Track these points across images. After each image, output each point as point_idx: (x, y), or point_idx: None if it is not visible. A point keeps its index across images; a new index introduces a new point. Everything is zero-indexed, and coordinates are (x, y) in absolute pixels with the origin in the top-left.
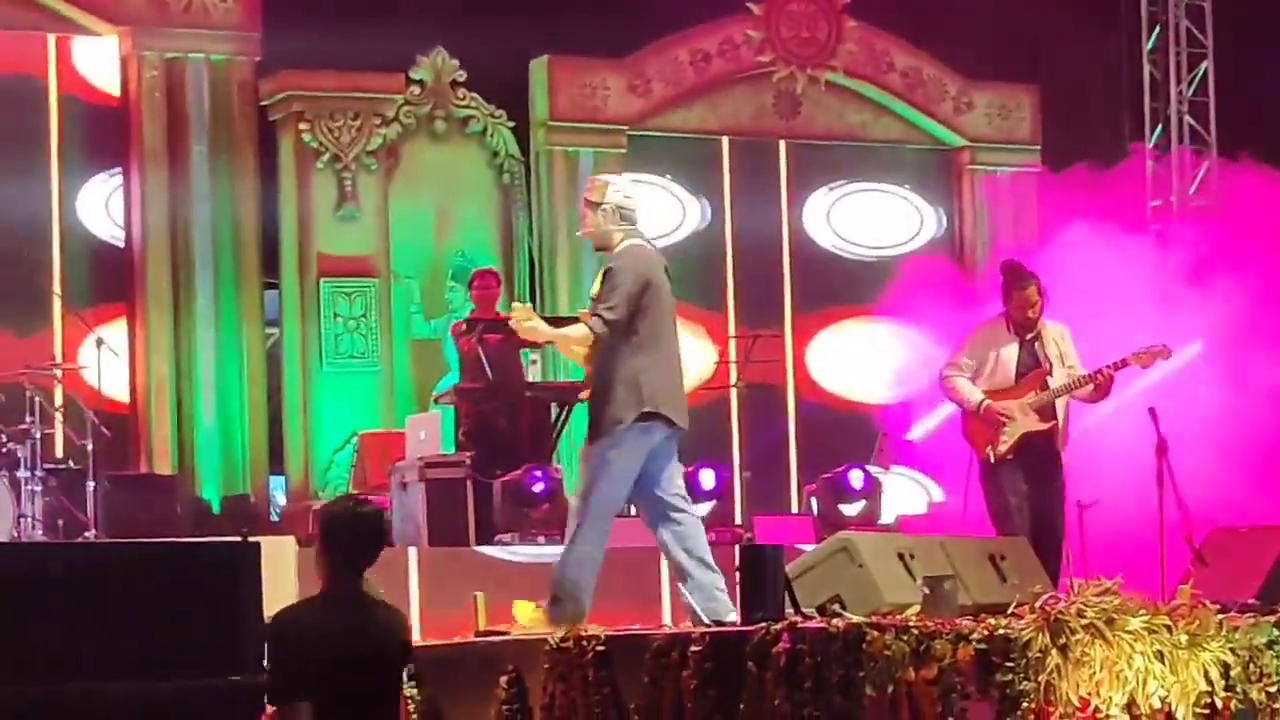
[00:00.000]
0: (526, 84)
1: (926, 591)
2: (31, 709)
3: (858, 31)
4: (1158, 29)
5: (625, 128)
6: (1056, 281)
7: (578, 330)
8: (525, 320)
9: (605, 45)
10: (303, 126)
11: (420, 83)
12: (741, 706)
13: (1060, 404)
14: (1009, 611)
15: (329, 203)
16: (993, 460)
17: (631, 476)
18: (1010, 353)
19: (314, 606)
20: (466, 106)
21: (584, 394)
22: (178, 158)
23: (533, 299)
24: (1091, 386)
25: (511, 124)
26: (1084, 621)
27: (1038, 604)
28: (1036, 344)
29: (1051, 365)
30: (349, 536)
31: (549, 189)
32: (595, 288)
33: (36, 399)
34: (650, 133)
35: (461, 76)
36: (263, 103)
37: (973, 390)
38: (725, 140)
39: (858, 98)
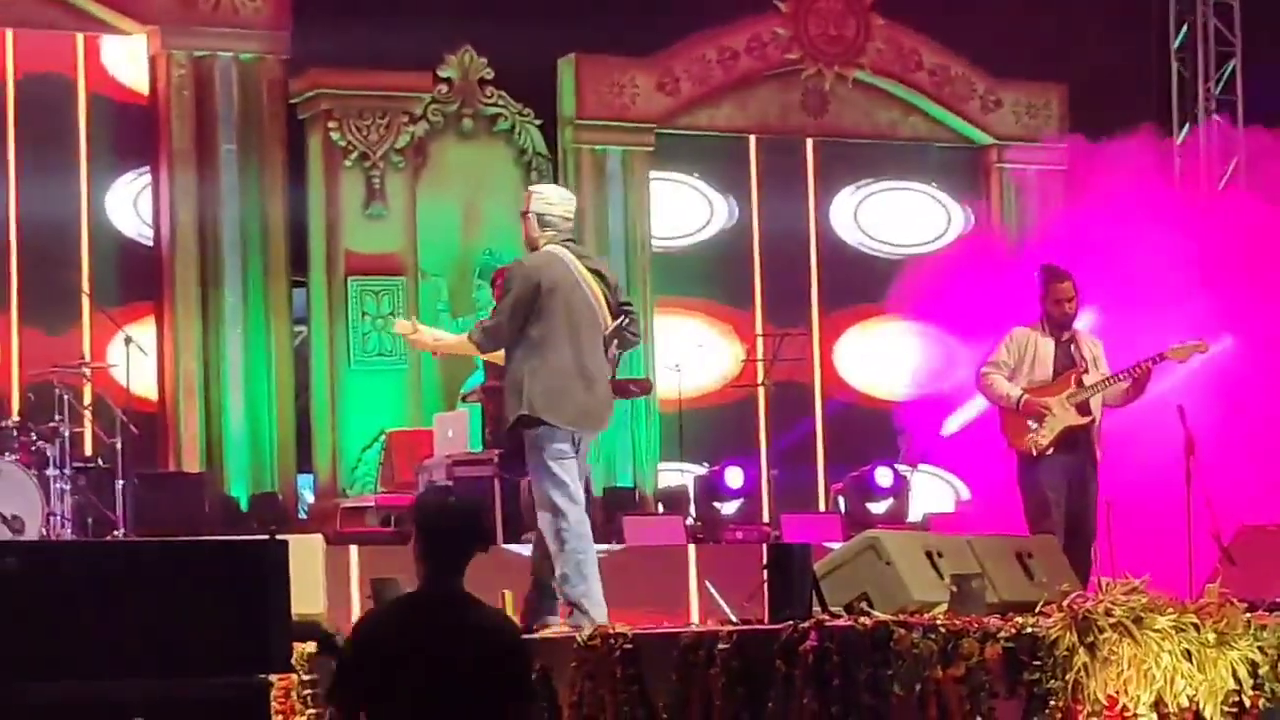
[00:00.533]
0: (554, 82)
1: (954, 590)
2: (58, 707)
3: (886, 29)
4: (1185, 27)
5: (653, 126)
6: (1083, 269)
7: (459, 340)
8: (410, 334)
9: (633, 43)
10: (331, 125)
11: (448, 81)
12: (769, 704)
13: (1095, 404)
14: (1037, 610)
15: (357, 201)
16: (1034, 453)
17: (574, 472)
18: (1047, 351)
19: (403, 607)
20: (494, 104)
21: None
22: (206, 156)
23: None
24: (1129, 384)
25: (539, 122)
26: (1112, 620)
27: (1065, 602)
28: (1072, 345)
29: (1087, 364)
30: (444, 532)
31: (576, 187)
32: None
33: (66, 397)
34: (678, 131)
35: (489, 74)
36: (291, 101)
37: (1011, 387)
38: (753, 138)
39: (885, 96)
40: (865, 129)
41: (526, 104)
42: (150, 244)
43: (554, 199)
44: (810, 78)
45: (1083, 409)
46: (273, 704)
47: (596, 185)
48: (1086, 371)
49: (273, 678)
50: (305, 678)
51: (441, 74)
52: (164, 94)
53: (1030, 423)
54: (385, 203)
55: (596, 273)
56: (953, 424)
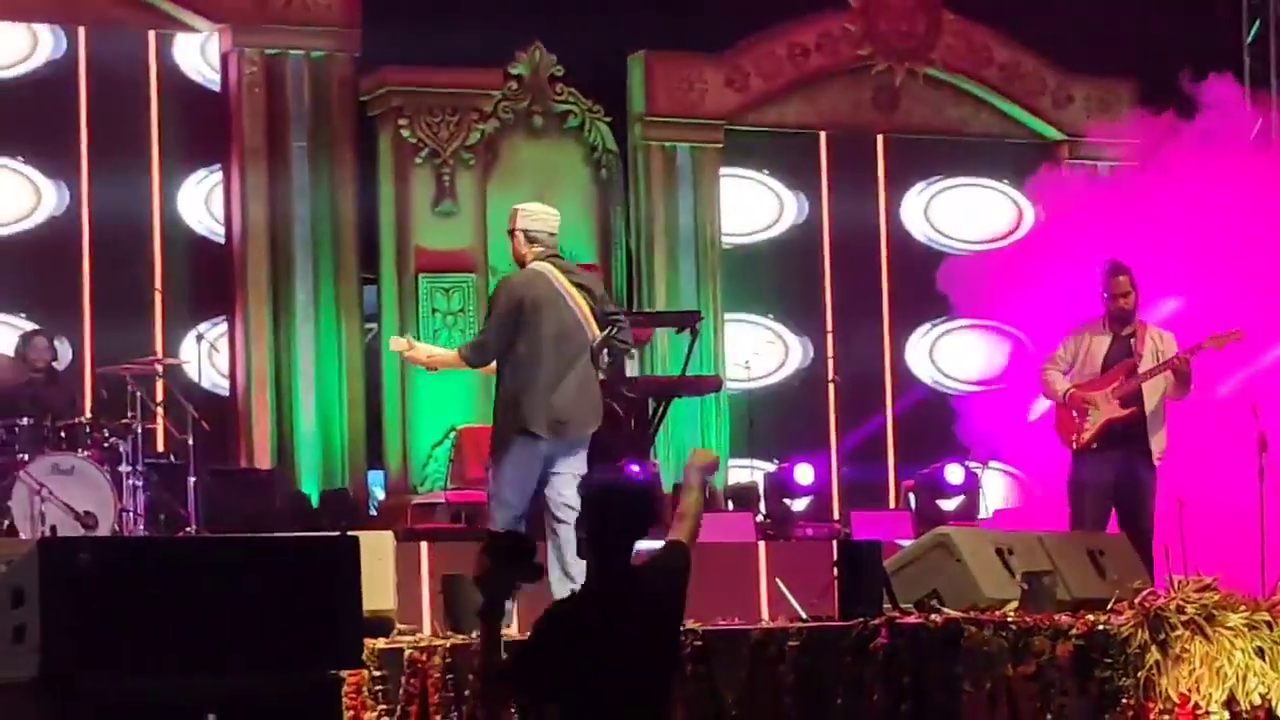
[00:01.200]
0: (624, 79)
1: (1025, 587)
2: (129, 702)
3: (956, 25)
4: (1258, 22)
5: (723, 122)
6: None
7: (451, 356)
8: (406, 351)
9: (703, 40)
10: (401, 122)
11: (518, 78)
12: (839, 701)
13: (1152, 395)
14: (1108, 607)
15: (427, 198)
16: (1077, 448)
17: (526, 486)
18: (1101, 345)
19: (583, 600)
20: (564, 102)
21: None
22: (277, 154)
23: (629, 293)
24: (1172, 377)
25: (609, 119)
26: (1184, 618)
27: (1137, 600)
28: (1132, 339)
29: (1143, 358)
30: (615, 515)
31: (646, 184)
32: None
33: (138, 393)
34: (748, 127)
35: (559, 72)
36: (362, 98)
37: (1061, 381)
38: (823, 135)
39: (956, 91)
40: (936, 125)
41: (596, 101)
42: (222, 241)
43: (539, 215)
44: (881, 74)
45: (1126, 401)
46: (343, 700)
47: (666, 182)
48: (1139, 364)
49: (344, 674)
50: (376, 674)
51: (512, 71)
52: (235, 92)
53: (1074, 416)
54: (455, 200)
55: (581, 286)
56: (1036, 412)
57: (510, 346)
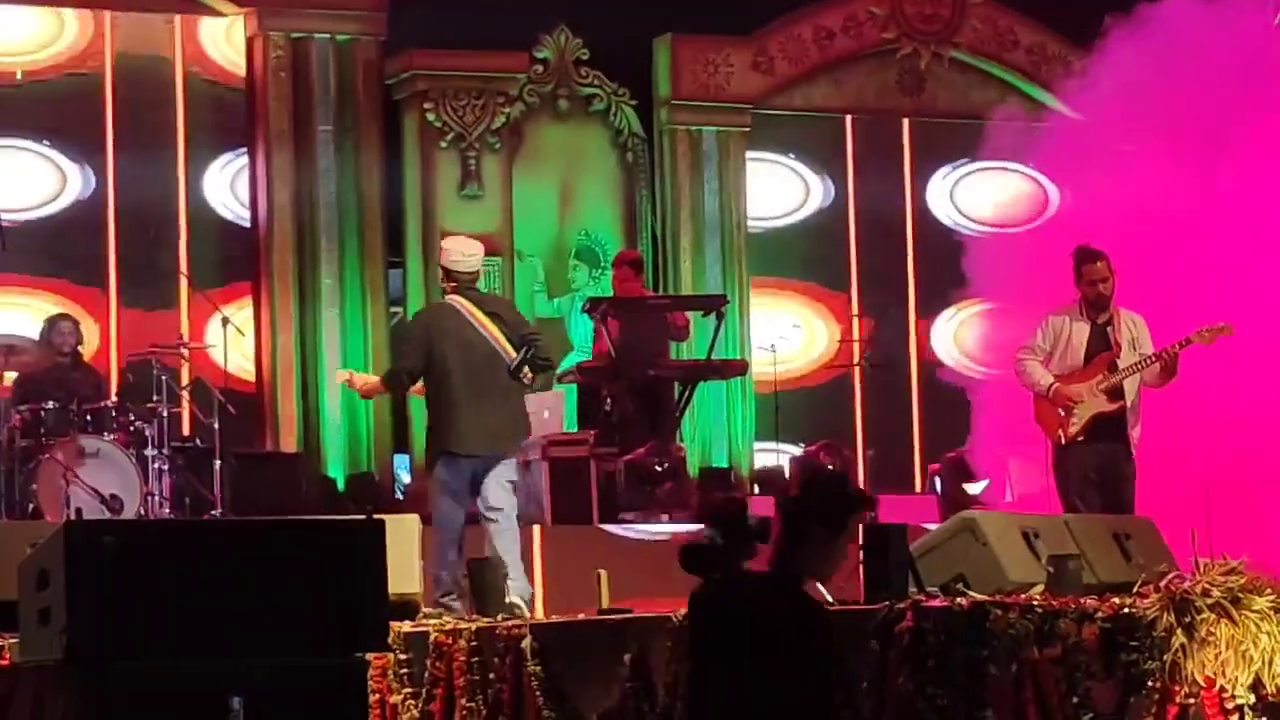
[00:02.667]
0: (650, 62)
1: (1051, 570)
2: (154, 685)
3: (982, 8)
4: None
5: (749, 106)
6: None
7: (376, 383)
8: (346, 382)
9: (729, 23)
10: (427, 106)
11: (544, 61)
12: (864, 684)
13: (1131, 387)
14: (1134, 591)
15: (453, 182)
16: (1063, 442)
17: (458, 499)
18: (1081, 336)
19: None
20: (590, 85)
21: None
22: (303, 138)
23: (655, 278)
24: (1159, 368)
25: (635, 102)
26: (1209, 601)
27: (1163, 583)
28: (1109, 328)
29: (1121, 348)
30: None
31: (672, 168)
32: None
33: (164, 378)
34: (774, 111)
35: (585, 55)
36: (387, 82)
37: (1043, 374)
38: (849, 118)
39: (982, 75)
40: (961, 108)
41: (622, 84)
42: (247, 225)
43: (457, 254)
44: (906, 57)
45: (1113, 394)
46: (369, 683)
47: (692, 165)
48: (1119, 356)
49: (369, 657)
50: (402, 657)
51: (537, 55)
52: (261, 76)
53: (1060, 410)
54: (481, 184)
55: (494, 314)
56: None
57: (427, 374)
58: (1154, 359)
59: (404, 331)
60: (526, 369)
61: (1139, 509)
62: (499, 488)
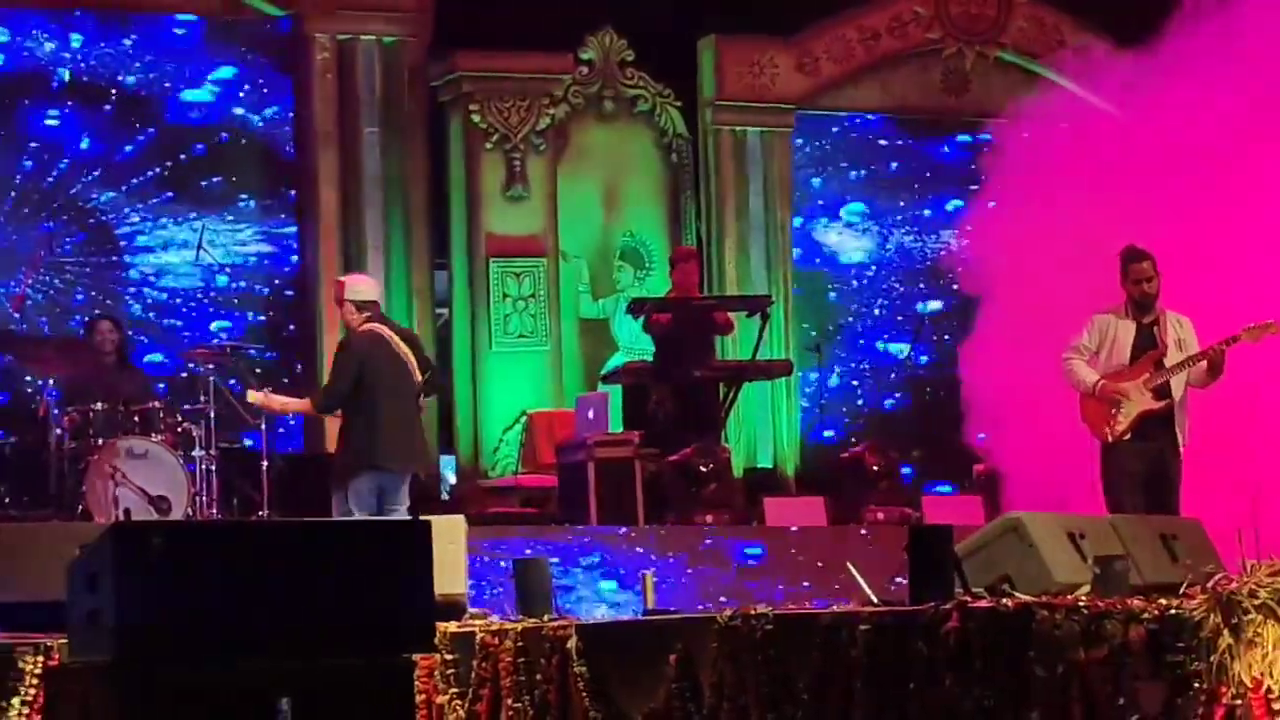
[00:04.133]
0: (695, 63)
1: (1097, 571)
2: (202, 686)
3: (1027, 8)
4: None
5: (793, 106)
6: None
7: (303, 405)
8: (263, 403)
9: (773, 24)
10: (472, 107)
11: (589, 63)
12: (910, 686)
13: (1178, 386)
14: (1180, 592)
15: (498, 183)
16: (1110, 440)
17: (370, 510)
18: (1127, 335)
19: None
20: (635, 86)
21: None
22: (349, 139)
23: (700, 278)
24: (1205, 366)
25: (679, 103)
26: (1256, 602)
27: (1209, 584)
28: (1155, 327)
29: (1168, 348)
30: None
31: (717, 168)
32: None
33: (211, 379)
34: (818, 111)
35: (630, 56)
36: (433, 84)
37: (1089, 372)
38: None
39: (1027, 74)
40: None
41: (667, 85)
42: (294, 227)
43: (363, 287)
44: (951, 57)
45: (1159, 393)
46: (416, 684)
47: (737, 166)
48: (1165, 354)
49: (416, 657)
50: (448, 657)
51: (582, 56)
52: (307, 77)
53: (1107, 409)
54: (526, 185)
55: (408, 340)
56: None
57: (354, 397)
58: (1200, 357)
59: (337, 358)
60: (424, 391)
61: (1185, 509)
62: (405, 498)
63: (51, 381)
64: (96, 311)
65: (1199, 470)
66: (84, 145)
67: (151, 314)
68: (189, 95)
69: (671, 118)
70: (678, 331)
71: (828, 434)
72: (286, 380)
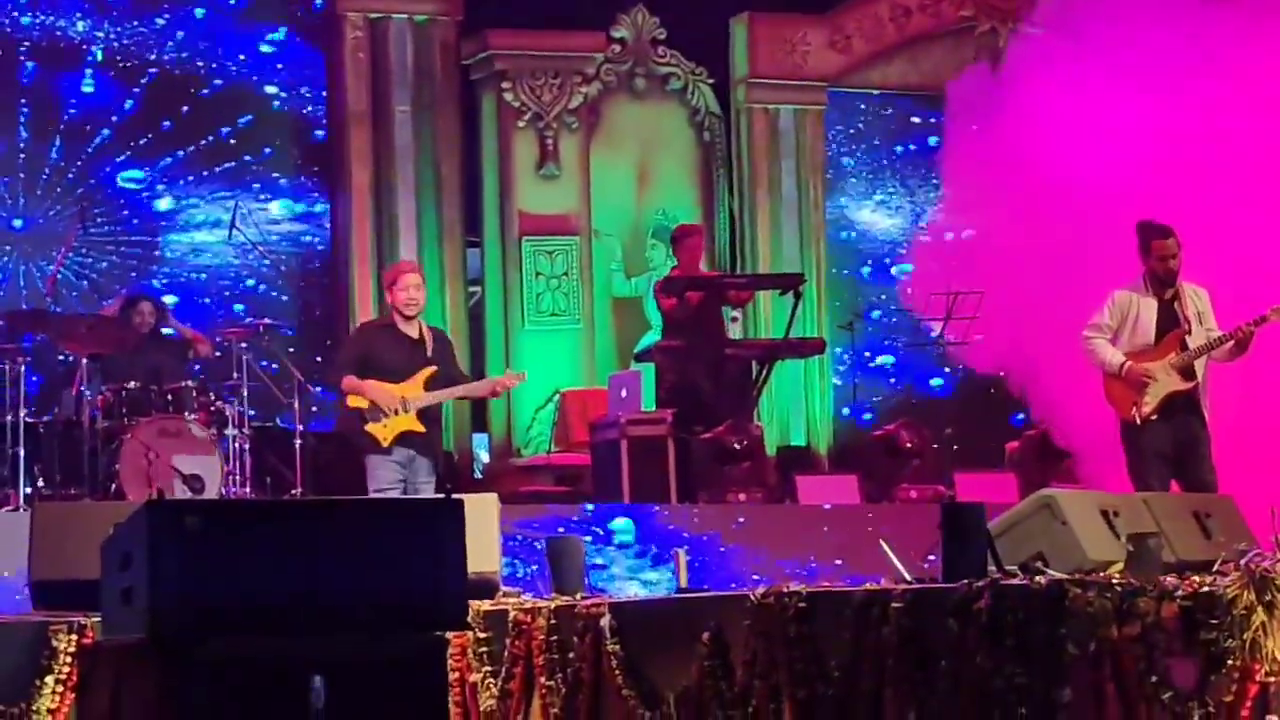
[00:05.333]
0: (727, 41)
1: (1130, 549)
2: (235, 664)
3: None
4: None
5: (825, 84)
6: None
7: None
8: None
9: (806, 2)
10: (504, 86)
11: (621, 41)
12: (942, 663)
13: (1201, 363)
14: (1214, 569)
15: (530, 161)
16: (1138, 421)
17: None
18: (1150, 313)
19: None
20: (667, 64)
21: None
22: (381, 118)
23: (732, 256)
24: (1231, 344)
25: (712, 81)
26: None
27: (1243, 561)
28: (1175, 303)
29: (1190, 325)
30: None
31: (749, 146)
32: None
33: (244, 357)
34: (851, 89)
35: (662, 34)
36: (465, 62)
37: (1114, 352)
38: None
39: None
40: None
41: (699, 63)
42: (327, 205)
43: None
44: (983, 35)
45: (1186, 373)
46: (449, 661)
47: (769, 144)
48: (1190, 332)
49: (449, 635)
50: (481, 635)
51: (614, 34)
52: (340, 55)
53: (1133, 389)
54: (558, 163)
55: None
56: None
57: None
58: (1229, 337)
59: (346, 346)
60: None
61: (1222, 487)
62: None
63: (85, 361)
64: (119, 289)
65: (1230, 447)
66: (116, 124)
67: (185, 293)
68: (221, 74)
69: (704, 95)
70: (692, 310)
71: (866, 417)
72: (319, 359)
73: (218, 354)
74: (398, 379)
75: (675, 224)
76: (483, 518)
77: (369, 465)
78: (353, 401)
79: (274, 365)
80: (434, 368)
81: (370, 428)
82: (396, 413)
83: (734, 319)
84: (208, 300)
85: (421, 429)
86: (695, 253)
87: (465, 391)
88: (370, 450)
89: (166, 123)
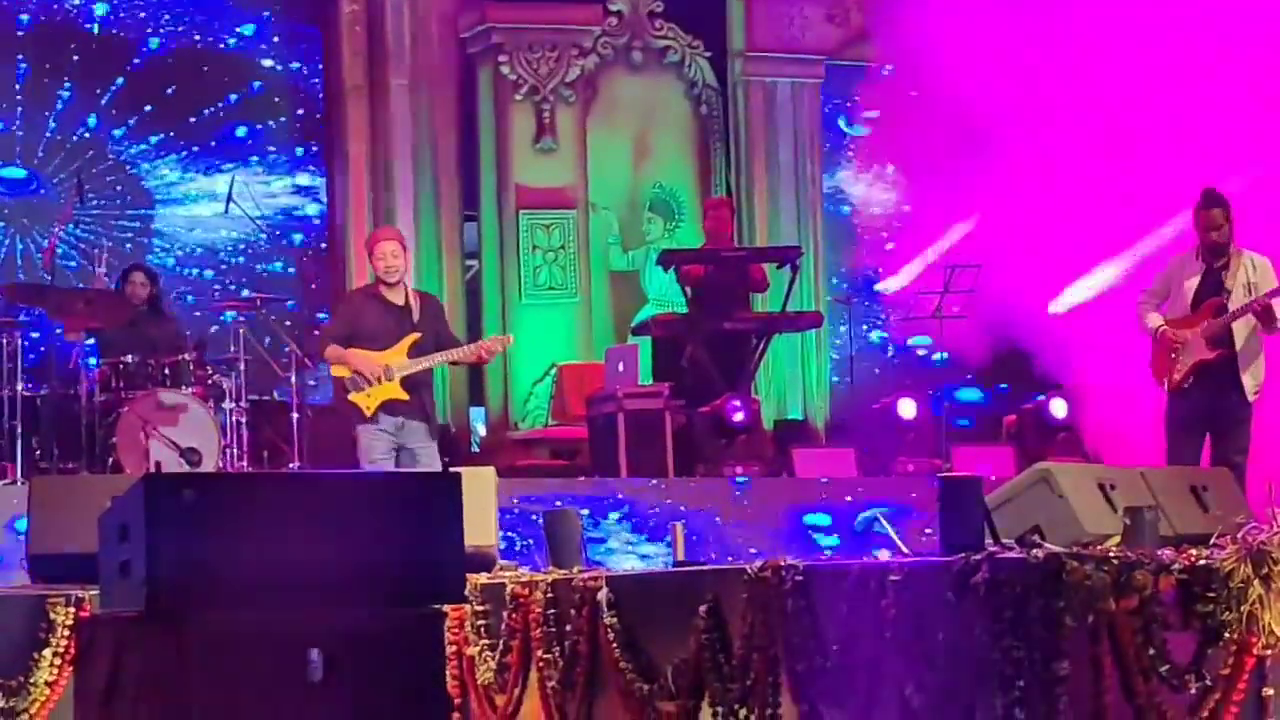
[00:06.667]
0: (724, 13)
1: (1127, 522)
2: (232, 637)
3: None
4: None
5: (823, 58)
6: None
7: None
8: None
9: None
10: (501, 59)
11: (618, 14)
12: (940, 636)
13: (1241, 332)
14: (1211, 542)
15: (527, 135)
16: (1170, 388)
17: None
18: (1193, 279)
19: None
20: (664, 37)
21: None
22: (378, 91)
23: (733, 228)
24: (1257, 319)
25: (709, 54)
26: None
27: (1240, 535)
28: (1224, 272)
29: (1231, 293)
30: None
31: (746, 120)
32: None
33: (240, 331)
34: (848, 62)
35: (659, 7)
36: (461, 35)
37: (1154, 318)
38: None
39: None
40: None
41: (696, 36)
42: (323, 179)
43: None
44: None
45: (1214, 341)
46: (446, 634)
47: (766, 117)
48: (1227, 301)
49: (446, 609)
50: (479, 608)
51: (611, 7)
52: (336, 29)
53: (1169, 356)
54: (555, 136)
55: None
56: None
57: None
58: (1246, 308)
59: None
60: None
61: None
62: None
63: (82, 334)
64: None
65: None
66: (113, 97)
67: (181, 266)
68: (218, 48)
69: (701, 69)
70: (712, 282)
71: (863, 391)
72: (316, 333)
73: (214, 326)
74: (382, 346)
75: (671, 197)
76: (480, 491)
77: (359, 437)
78: (336, 371)
79: (270, 338)
80: (418, 334)
81: (353, 397)
82: (379, 380)
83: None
84: (205, 274)
85: (405, 396)
86: (722, 226)
87: (452, 356)
88: (358, 421)
89: (163, 96)
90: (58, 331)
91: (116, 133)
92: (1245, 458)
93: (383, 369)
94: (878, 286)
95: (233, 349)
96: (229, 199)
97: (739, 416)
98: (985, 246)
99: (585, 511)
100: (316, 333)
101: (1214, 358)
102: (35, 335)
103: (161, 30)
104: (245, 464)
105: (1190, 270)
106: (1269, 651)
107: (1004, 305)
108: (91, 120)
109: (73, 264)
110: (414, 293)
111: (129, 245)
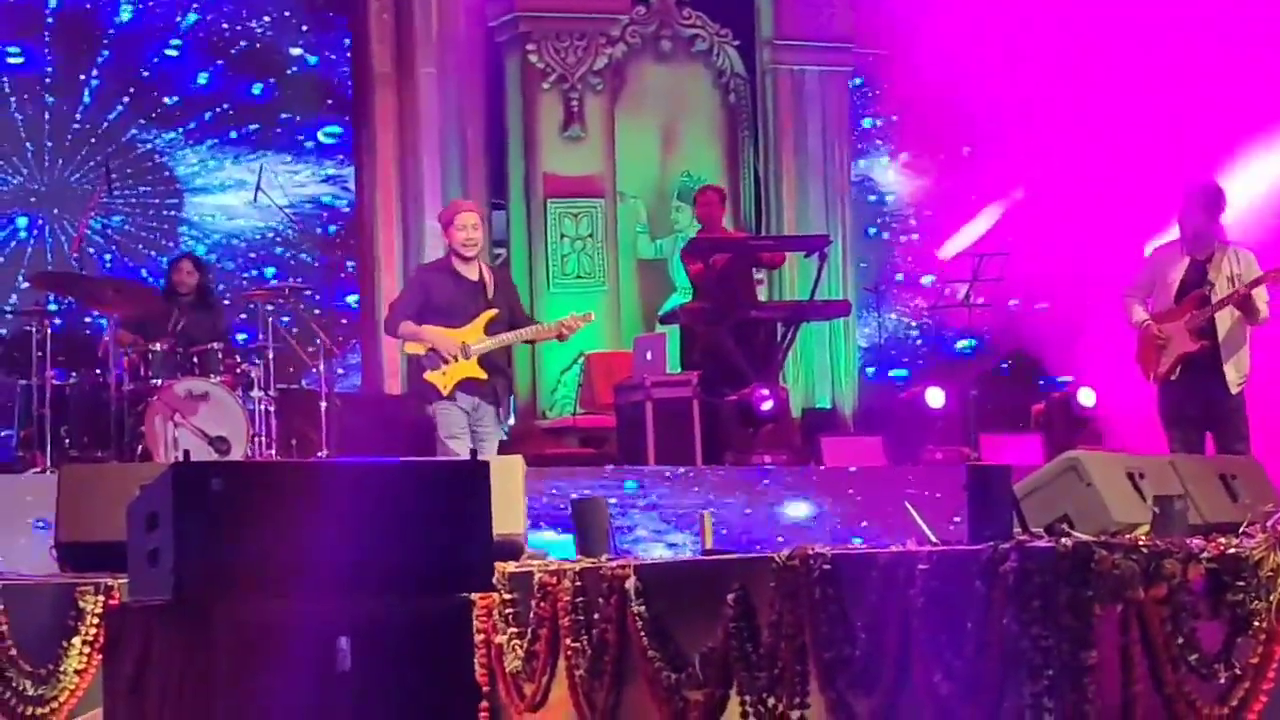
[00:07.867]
0: (752, 2)
1: (1156, 511)
2: (261, 626)
3: None
4: None
5: (851, 46)
6: None
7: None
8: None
9: None
10: (530, 48)
11: (646, 2)
12: (968, 625)
13: (1224, 324)
14: (1240, 531)
15: (555, 123)
16: (1155, 381)
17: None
18: (1177, 272)
19: None
20: (692, 25)
21: None
22: (406, 79)
23: (757, 219)
24: (1239, 310)
25: (737, 43)
26: None
27: (1269, 523)
28: (1208, 264)
29: (1214, 285)
30: None
31: (775, 108)
32: None
33: (269, 319)
34: (876, 51)
35: None
36: (490, 24)
37: (1139, 311)
38: None
39: None
40: None
41: (724, 25)
42: (351, 167)
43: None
44: None
45: (1197, 333)
46: (475, 623)
47: (795, 106)
48: (1210, 293)
49: (475, 597)
50: (507, 597)
51: None
52: (364, 18)
53: (1154, 349)
54: (583, 125)
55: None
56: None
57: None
58: (1228, 299)
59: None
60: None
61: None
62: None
63: (113, 321)
64: (144, 251)
65: (1256, 410)
66: (142, 86)
67: (210, 255)
68: (246, 36)
69: (729, 57)
70: (718, 272)
71: (894, 373)
72: (345, 321)
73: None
74: (458, 323)
75: (700, 186)
76: (508, 479)
77: (435, 412)
78: (409, 348)
79: (298, 326)
80: (495, 310)
81: (429, 375)
82: (456, 359)
83: (759, 281)
84: (233, 263)
85: (483, 375)
86: (713, 211)
87: (530, 334)
88: (433, 398)
89: (192, 84)
90: (99, 327)
91: (144, 121)
92: (1247, 445)
93: (460, 347)
94: (939, 251)
95: (261, 338)
96: (257, 188)
97: (767, 405)
98: (1013, 233)
99: (613, 500)
100: (344, 321)
101: (1198, 350)
102: (58, 322)
103: (191, 19)
104: (273, 453)
105: (1174, 264)
106: None
107: (1030, 295)
108: (119, 109)
109: (108, 256)
110: (487, 268)
111: (156, 234)
